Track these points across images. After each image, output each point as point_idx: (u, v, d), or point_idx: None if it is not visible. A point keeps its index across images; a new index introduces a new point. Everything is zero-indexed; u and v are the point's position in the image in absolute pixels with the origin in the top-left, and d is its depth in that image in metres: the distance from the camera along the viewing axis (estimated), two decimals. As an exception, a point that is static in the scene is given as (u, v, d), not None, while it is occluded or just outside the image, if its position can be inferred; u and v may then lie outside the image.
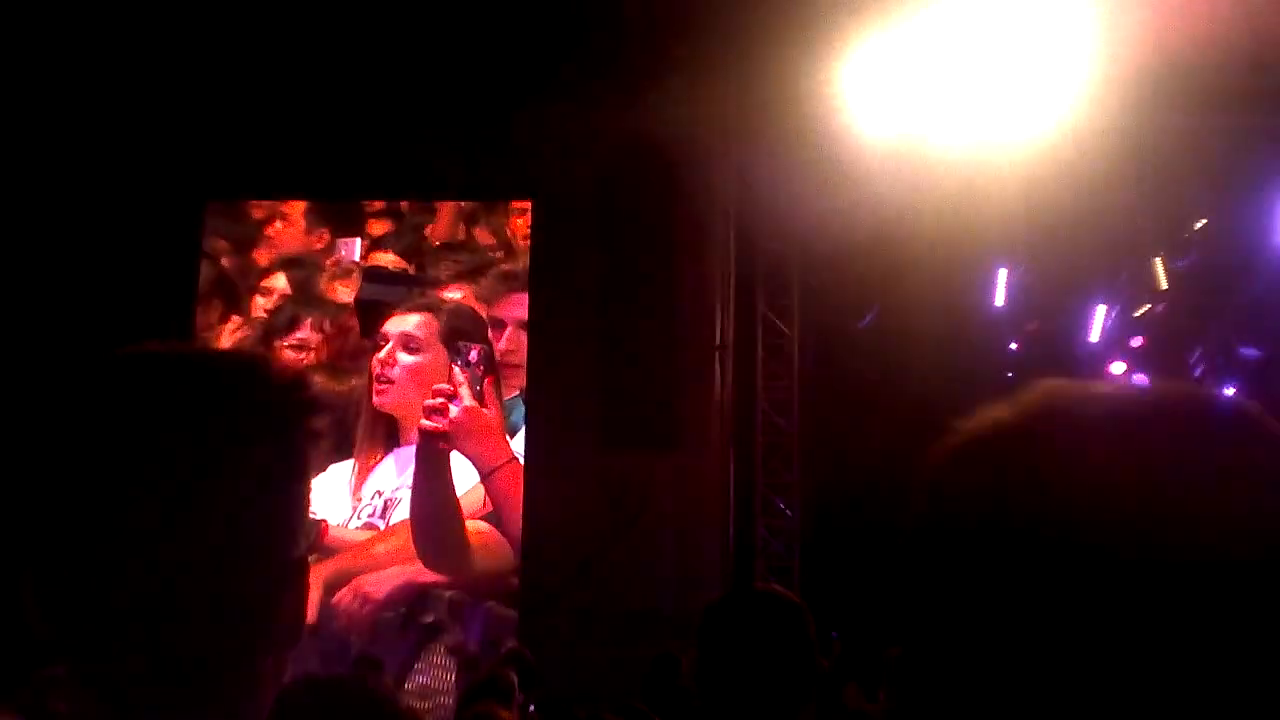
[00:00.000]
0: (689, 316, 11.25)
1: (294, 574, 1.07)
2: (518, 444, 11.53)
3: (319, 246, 12.25)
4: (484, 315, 11.84)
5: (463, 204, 12.17)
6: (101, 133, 11.42)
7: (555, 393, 11.53)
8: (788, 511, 12.11)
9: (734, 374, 11.70)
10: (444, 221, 12.15)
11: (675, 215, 11.19)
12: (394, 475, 11.49)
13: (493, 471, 11.26)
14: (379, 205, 12.32)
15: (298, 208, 12.22)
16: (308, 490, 1.09)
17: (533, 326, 11.68)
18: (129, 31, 10.73)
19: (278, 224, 12.20)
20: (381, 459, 11.54)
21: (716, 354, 11.56)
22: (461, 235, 12.15)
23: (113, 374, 1.06)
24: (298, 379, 1.10)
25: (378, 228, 12.26)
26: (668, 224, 11.15)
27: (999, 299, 13.62)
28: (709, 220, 11.57)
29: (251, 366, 1.09)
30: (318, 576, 11.09)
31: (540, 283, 11.74)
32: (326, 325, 11.95)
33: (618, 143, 11.20)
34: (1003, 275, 13.45)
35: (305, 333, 11.96)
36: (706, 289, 11.52)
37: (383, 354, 11.50)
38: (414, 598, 11.36)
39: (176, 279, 11.81)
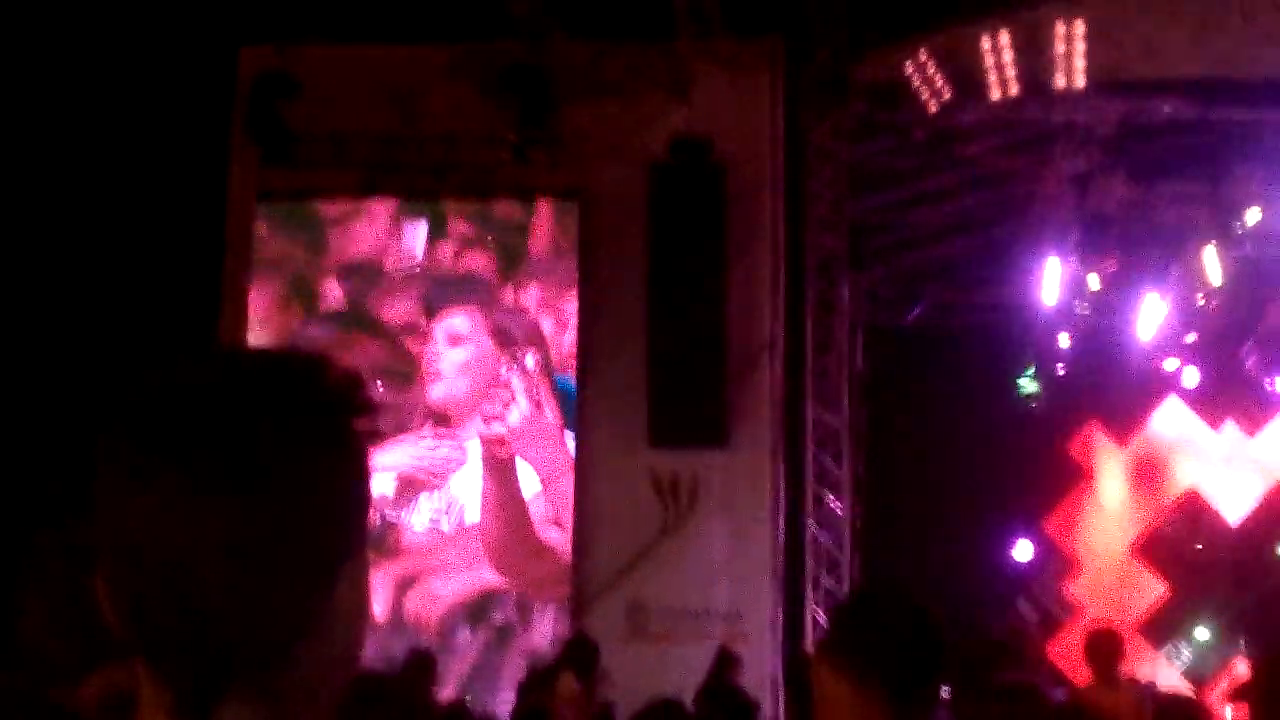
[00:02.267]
0: (737, 313, 11.25)
1: (346, 571, 1.08)
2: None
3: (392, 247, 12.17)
4: (552, 309, 11.85)
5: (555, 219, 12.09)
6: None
7: (604, 391, 11.56)
8: (837, 507, 12.10)
9: (783, 370, 11.69)
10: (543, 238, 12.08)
11: (723, 213, 11.19)
12: (455, 474, 11.57)
13: (555, 477, 11.36)
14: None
15: (383, 206, 12.19)
16: (365, 490, 1.11)
17: (581, 325, 11.71)
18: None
19: (356, 223, 12.15)
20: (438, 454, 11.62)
21: (765, 351, 11.56)
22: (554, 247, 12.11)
23: (171, 377, 1.09)
24: (354, 380, 1.12)
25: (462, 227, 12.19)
26: (715, 221, 11.15)
27: (1051, 293, 13.52)
28: (757, 217, 11.57)
29: (309, 368, 1.11)
30: (388, 577, 11.20)
31: (588, 282, 11.77)
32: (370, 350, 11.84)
33: (665, 141, 11.20)
34: (1055, 267, 13.34)
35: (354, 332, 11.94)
36: (755, 286, 11.51)
37: (426, 348, 11.63)
38: (483, 599, 11.46)
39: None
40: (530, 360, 11.39)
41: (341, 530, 1.09)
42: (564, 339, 11.77)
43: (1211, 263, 12.95)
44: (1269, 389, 15.72)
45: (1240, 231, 12.69)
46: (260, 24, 11.80)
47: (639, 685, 8.37)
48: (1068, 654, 13.60)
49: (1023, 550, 15.84)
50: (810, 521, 12.00)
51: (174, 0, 11.70)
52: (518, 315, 11.83)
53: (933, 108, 11.05)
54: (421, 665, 9.04)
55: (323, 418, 1.09)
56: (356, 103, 11.73)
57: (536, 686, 8.75)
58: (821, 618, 11.77)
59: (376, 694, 3.42)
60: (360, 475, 1.11)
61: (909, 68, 10.95)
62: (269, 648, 1.05)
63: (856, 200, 12.42)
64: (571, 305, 11.81)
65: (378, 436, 1.15)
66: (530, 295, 11.94)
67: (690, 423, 11.15)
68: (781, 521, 11.58)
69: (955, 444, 14.37)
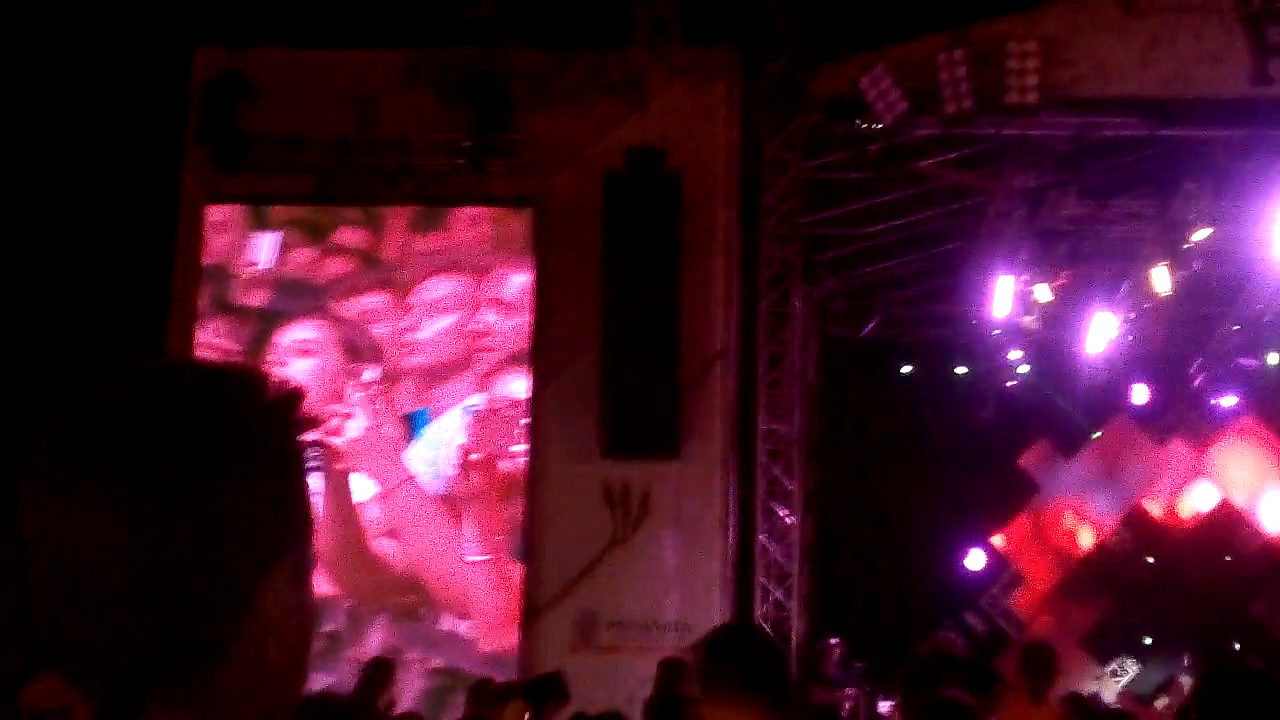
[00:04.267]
0: (691, 324, 11.25)
1: (270, 582, 1.08)
2: (421, 457, 11.59)
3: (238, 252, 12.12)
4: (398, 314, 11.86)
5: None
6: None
7: (556, 401, 11.53)
8: (788, 518, 12.12)
9: (735, 382, 11.71)
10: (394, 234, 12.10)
11: (677, 222, 11.20)
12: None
13: (390, 490, 11.43)
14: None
15: (235, 212, 12.16)
16: (290, 503, 1.11)
17: (534, 334, 11.69)
18: None
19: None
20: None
21: (718, 361, 11.57)
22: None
23: (106, 387, 1.09)
24: (290, 394, 1.12)
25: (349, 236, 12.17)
26: (670, 231, 11.15)
27: (1002, 307, 13.63)
28: (711, 227, 11.58)
29: (236, 380, 1.12)
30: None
31: (542, 290, 11.75)
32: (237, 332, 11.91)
33: (621, 149, 11.20)
34: (1006, 282, 13.46)
35: (219, 338, 11.96)
36: (708, 296, 11.53)
37: (272, 357, 11.62)
38: (314, 607, 11.48)
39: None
40: (369, 374, 11.46)
41: (258, 541, 1.08)
42: (411, 336, 11.77)
43: (1161, 280, 13.09)
44: (1216, 406, 15.91)
45: (1189, 249, 12.84)
46: (215, 26, 11.72)
47: (588, 696, 8.34)
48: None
49: (972, 562, 15.94)
50: (761, 533, 12.00)
51: (129, 2, 11.62)
52: (361, 328, 11.83)
53: (887, 121, 11.11)
54: (378, 673, 8.99)
55: (245, 429, 1.09)
56: (311, 107, 11.66)
57: (488, 700, 8.70)
58: (770, 630, 11.77)
59: (333, 710, 3.51)
60: (285, 487, 1.11)
61: (864, 81, 11.01)
62: (187, 657, 1.04)
63: (810, 212, 12.46)
64: (418, 309, 11.80)
65: (313, 449, 1.14)
66: (374, 301, 11.91)
67: (642, 433, 11.14)
68: (732, 533, 11.59)
69: (906, 457, 14.45)
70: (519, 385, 11.77)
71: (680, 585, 11.34)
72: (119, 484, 1.03)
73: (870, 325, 15.08)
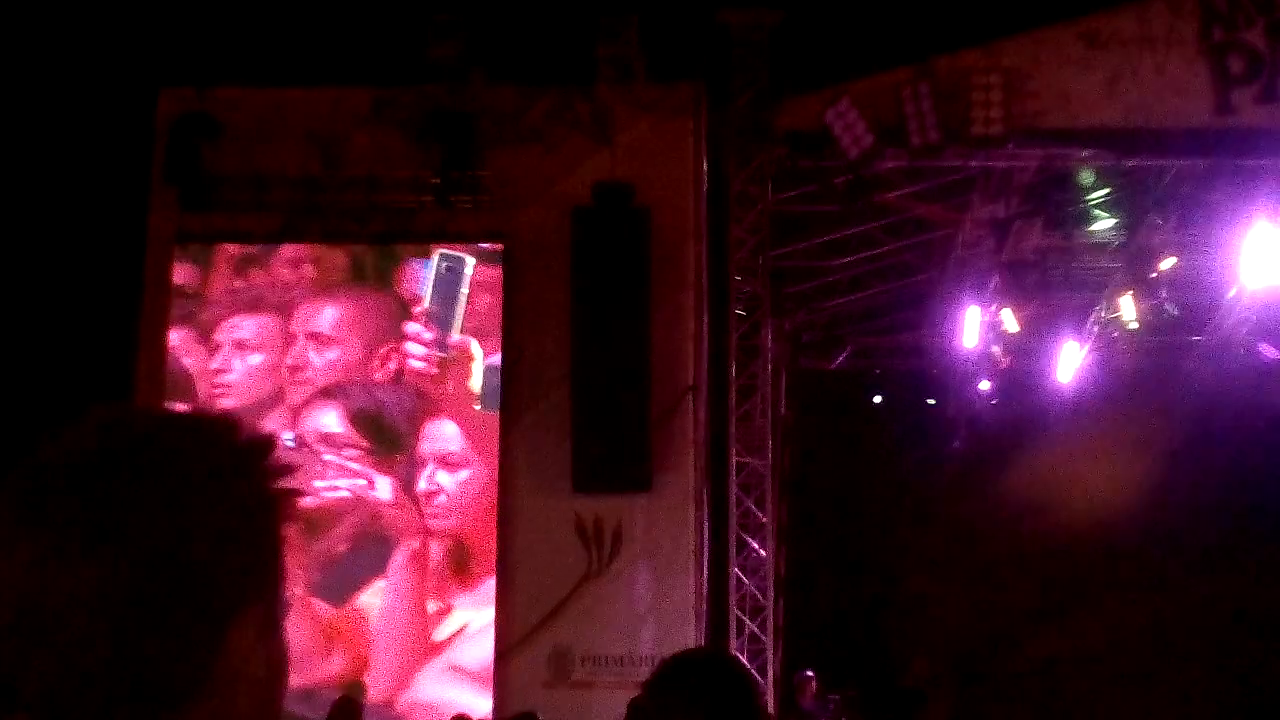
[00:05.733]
0: (661, 357, 11.26)
1: (239, 627, 1.08)
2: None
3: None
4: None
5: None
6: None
7: (527, 436, 11.52)
8: (761, 551, 12.11)
9: (706, 415, 11.71)
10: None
11: (646, 257, 11.22)
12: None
13: None
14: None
15: None
16: (268, 547, 1.11)
17: (504, 370, 11.68)
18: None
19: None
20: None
21: (689, 395, 11.57)
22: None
23: (68, 436, 1.09)
24: (263, 440, 1.13)
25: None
26: (639, 266, 11.17)
27: (971, 337, 13.69)
28: (680, 261, 11.61)
29: (211, 427, 1.13)
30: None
31: (511, 326, 11.75)
32: None
33: (589, 185, 11.23)
34: (974, 314, 13.52)
35: None
36: (678, 330, 11.54)
37: None
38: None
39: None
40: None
41: (225, 588, 1.08)
42: (223, 378, 11.76)
43: (1128, 308, 13.19)
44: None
45: (1156, 278, 12.95)
46: (181, 65, 11.73)
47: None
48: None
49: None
50: (734, 566, 11.99)
51: (94, 40, 11.62)
52: (173, 364, 11.79)
53: (854, 154, 11.17)
54: (347, 713, 8.95)
55: (212, 477, 1.09)
56: (278, 146, 11.65)
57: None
58: (746, 663, 11.74)
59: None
60: (254, 535, 1.11)
61: (830, 115, 11.07)
62: (155, 704, 1.04)
63: (779, 245, 12.51)
64: (226, 348, 11.78)
65: (285, 497, 1.13)
66: (179, 337, 11.88)
67: (614, 467, 11.13)
68: (705, 566, 11.56)
69: (877, 487, 14.45)
70: (329, 418, 11.70)
71: (655, 618, 11.32)
72: (82, 533, 1.03)
73: (840, 357, 15.12)
